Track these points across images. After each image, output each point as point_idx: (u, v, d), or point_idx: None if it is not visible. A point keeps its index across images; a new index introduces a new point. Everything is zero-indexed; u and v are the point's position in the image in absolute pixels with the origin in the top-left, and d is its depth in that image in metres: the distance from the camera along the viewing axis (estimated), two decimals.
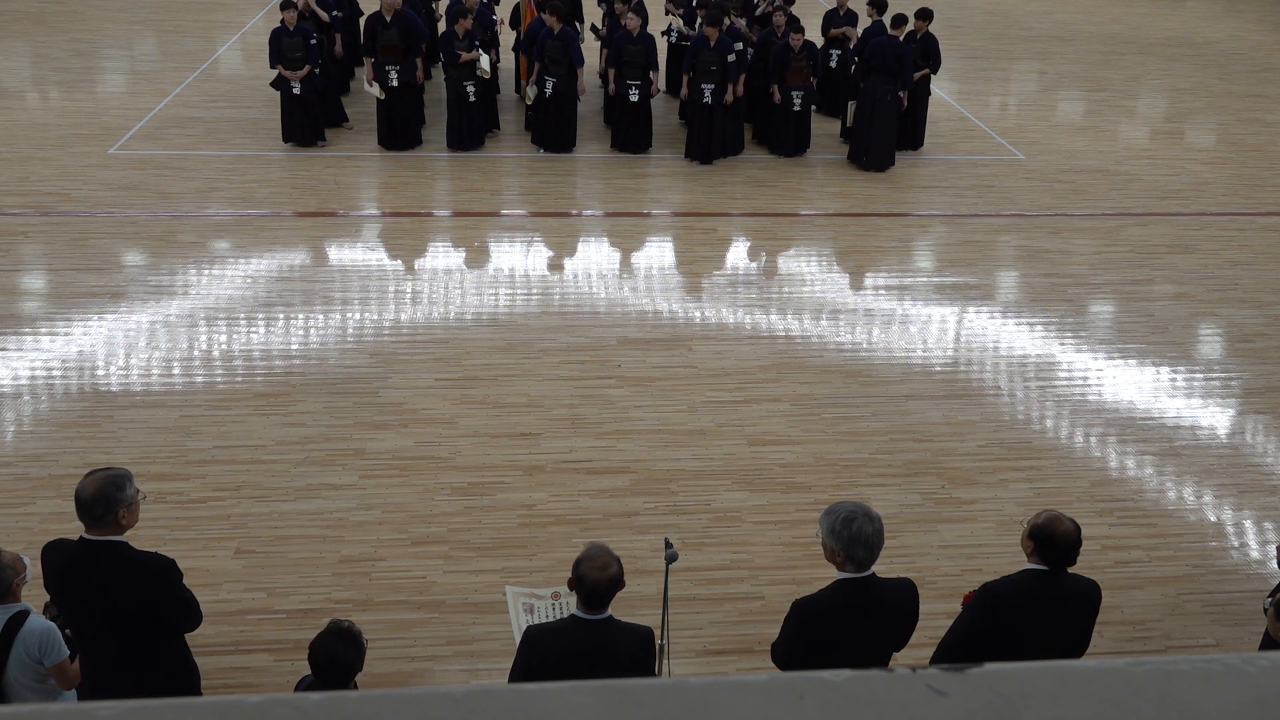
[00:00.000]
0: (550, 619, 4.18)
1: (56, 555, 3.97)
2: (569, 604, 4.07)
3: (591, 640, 3.68)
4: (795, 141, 11.93)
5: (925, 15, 11.80)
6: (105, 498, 3.81)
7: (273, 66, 11.29)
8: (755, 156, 12.03)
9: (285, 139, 11.59)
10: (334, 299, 8.67)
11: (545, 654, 3.70)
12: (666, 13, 13.22)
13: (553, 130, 11.71)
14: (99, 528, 3.86)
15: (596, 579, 3.61)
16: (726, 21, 11.51)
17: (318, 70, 11.33)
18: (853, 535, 3.62)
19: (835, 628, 3.77)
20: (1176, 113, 14.36)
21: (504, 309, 8.65)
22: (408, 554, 5.94)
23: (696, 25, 12.09)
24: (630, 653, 3.73)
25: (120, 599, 3.91)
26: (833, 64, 12.74)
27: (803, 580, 5.70)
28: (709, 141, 11.67)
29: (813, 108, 12.00)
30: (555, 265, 9.50)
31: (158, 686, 4.06)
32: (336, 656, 3.65)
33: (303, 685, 3.96)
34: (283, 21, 11.20)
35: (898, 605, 3.82)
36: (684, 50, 12.09)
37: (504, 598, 5.32)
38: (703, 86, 11.32)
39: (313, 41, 11.27)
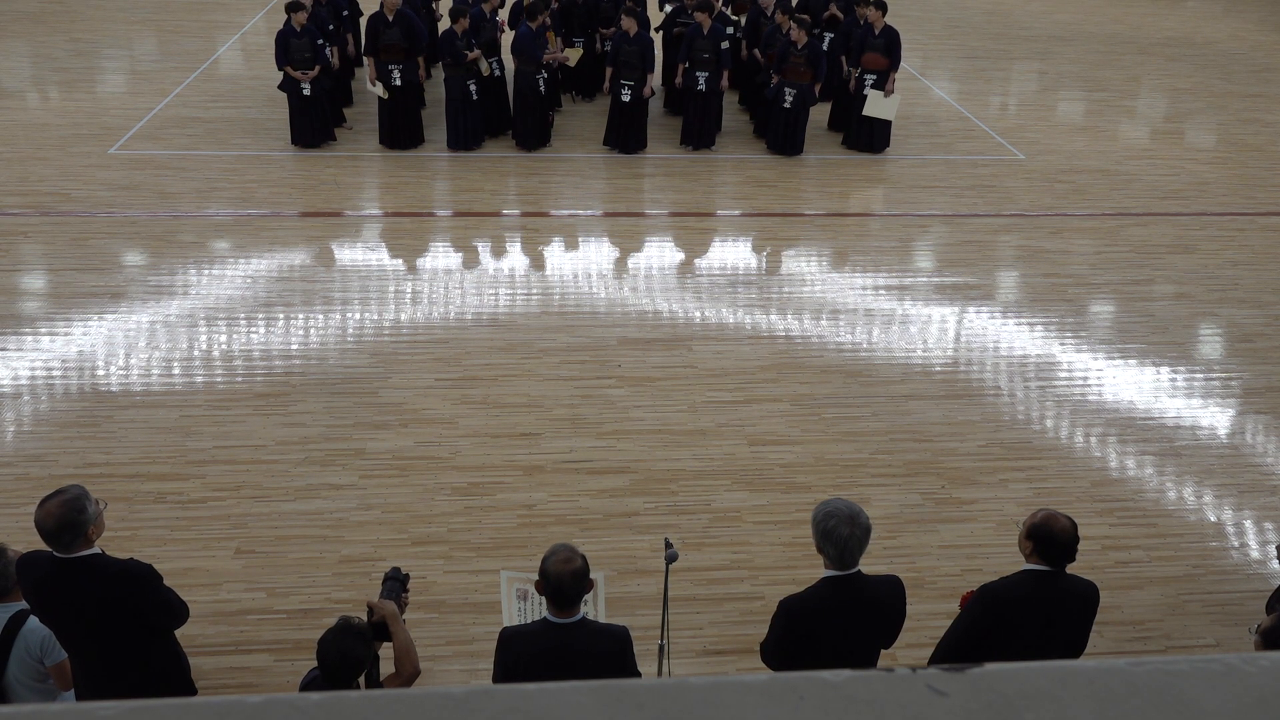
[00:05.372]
0: (541, 607, 4.17)
1: (32, 571, 3.87)
2: None
3: (563, 642, 3.66)
4: (787, 140, 11.92)
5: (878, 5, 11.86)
6: (71, 525, 3.72)
7: (280, 68, 11.28)
8: (755, 156, 12.03)
9: (294, 141, 11.57)
10: (334, 299, 8.67)
11: (518, 655, 3.69)
12: (660, 5, 13.27)
13: (530, 127, 11.77)
14: (70, 550, 3.78)
15: (560, 572, 3.60)
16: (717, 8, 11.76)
17: (326, 71, 11.34)
18: (825, 531, 3.69)
19: (822, 624, 3.79)
20: (1176, 113, 14.36)
21: (504, 309, 8.65)
22: (408, 554, 5.94)
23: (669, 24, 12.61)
24: (605, 653, 3.71)
25: (103, 611, 3.86)
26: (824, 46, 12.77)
27: (803, 580, 5.67)
28: (705, 126, 11.91)
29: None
30: (555, 265, 9.49)
31: (150, 684, 4.06)
32: (347, 652, 3.65)
33: (309, 679, 3.95)
34: (289, 22, 11.17)
35: (884, 601, 3.84)
36: (678, 42, 12.45)
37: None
38: (697, 74, 11.51)
39: (320, 42, 11.27)
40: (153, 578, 3.93)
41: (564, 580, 3.59)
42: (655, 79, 12.11)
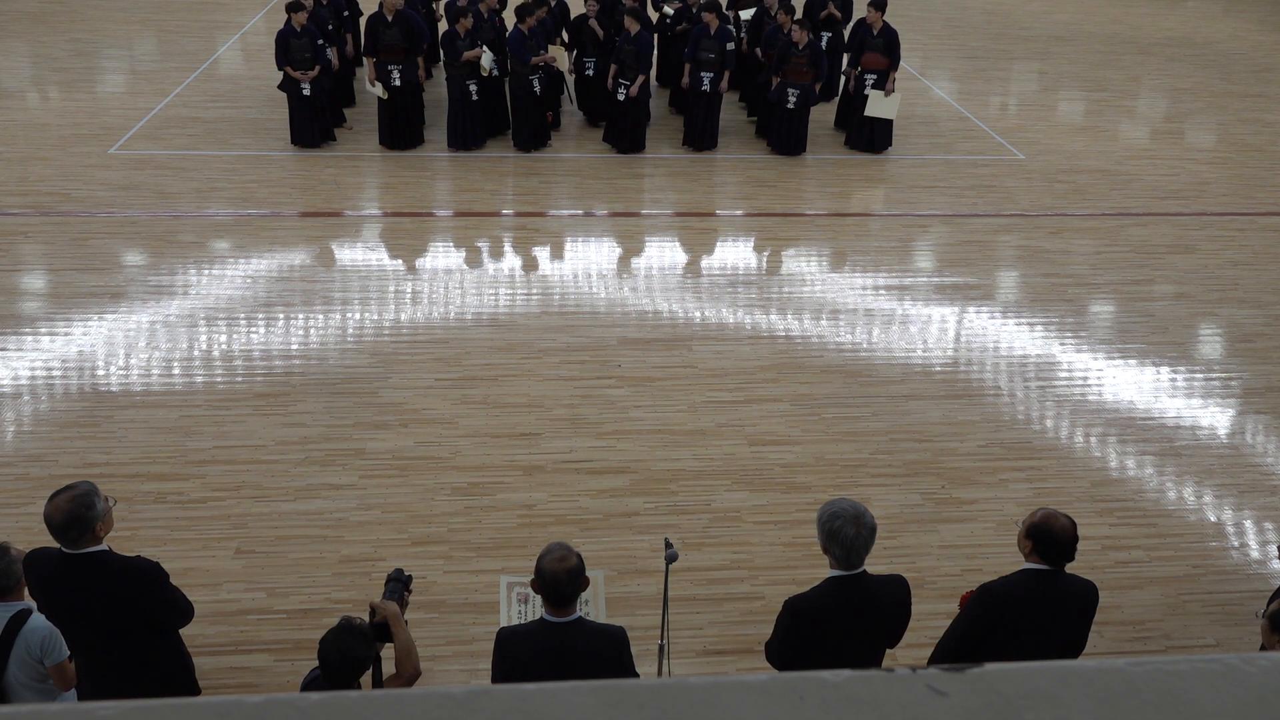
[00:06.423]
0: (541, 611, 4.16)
1: (40, 567, 3.89)
2: None
3: (560, 642, 3.64)
4: (789, 140, 11.91)
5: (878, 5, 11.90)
6: (78, 520, 3.74)
7: (280, 68, 11.27)
8: (755, 156, 12.03)
9: (294, 141, 11.57)
10: (334, 299, 8.67)
11: (515, 655, 3.68)
12: (655, 6, 13.25)
13: (528, 128, 11.78)
14: (77, 546, 3.81)
15: (555, 570, 3.58)
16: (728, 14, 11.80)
17: (326, 71, 11.34)
18: (831, 532, 3.70)
19: (827, 624, 3.79)
20: (1176, 113, 14.36)
21: (504, 309, 8.65)
22: (408, 554, 5.94)
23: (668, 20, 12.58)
24: (602, 654, 3.69)
25: (109, 608, 3.88)
26: (823, 45, 12.77)
27: (803, 580, 5.69)
28: (708, 128, 11.94)
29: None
30: (555, 265, 9.49)
31: (154, 684, 4.06)
32: (348, 652, 3.65)
33: (310, 679, 3.95)
34: (289, 22, 11.16)
35: (889, 601, 3.84)
36: (678, 41, 12.50)
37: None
38: (702, 74, 11.51)
39: (320, 42, 11.26)
40: (159, 575, 3.95)
41: (559, 579, 3.58)
42: (654, 81, 12.15)
